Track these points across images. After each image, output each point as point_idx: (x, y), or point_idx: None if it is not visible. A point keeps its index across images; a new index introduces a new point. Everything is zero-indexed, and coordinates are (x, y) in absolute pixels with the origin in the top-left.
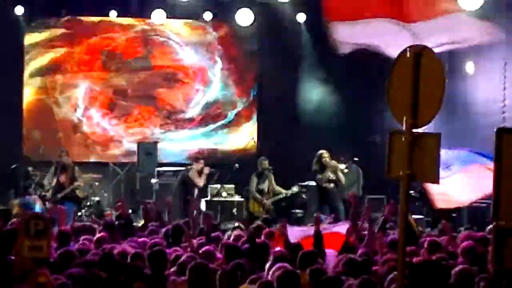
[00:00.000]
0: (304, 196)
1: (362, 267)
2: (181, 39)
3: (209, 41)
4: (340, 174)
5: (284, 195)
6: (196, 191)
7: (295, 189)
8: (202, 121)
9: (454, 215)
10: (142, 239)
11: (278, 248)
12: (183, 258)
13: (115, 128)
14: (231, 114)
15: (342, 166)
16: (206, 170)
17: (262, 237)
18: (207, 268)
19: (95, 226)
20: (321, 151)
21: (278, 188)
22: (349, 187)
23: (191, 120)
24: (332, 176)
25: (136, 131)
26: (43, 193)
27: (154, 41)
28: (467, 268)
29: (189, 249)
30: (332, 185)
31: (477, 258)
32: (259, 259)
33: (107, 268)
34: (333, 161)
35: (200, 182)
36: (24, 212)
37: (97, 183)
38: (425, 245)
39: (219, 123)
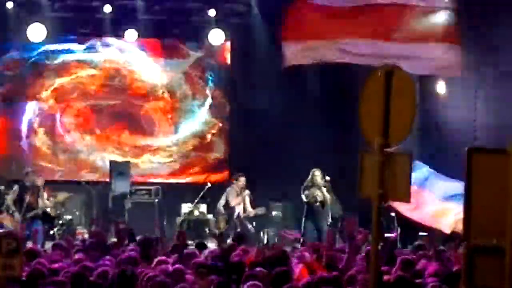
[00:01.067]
0: (276, 214)
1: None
2: (152, 60)
3: (182, 61)
4: (327, 195)
5: (253, 214)
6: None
7: (259, 211)
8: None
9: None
10: (114, 258)
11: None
12: (148, 276)
13: (88, 147)
14: (203, 132)
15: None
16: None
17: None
18: (167, 286)
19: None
20: (314, 169)
21: (249, 209)
22: (332, 207)
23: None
24: (320, 195)
25: (109, 151)
26: (14, 212)
27: (126, 62)
28: (436, 285)
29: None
30: (318, 204)
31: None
32: (234, 276)
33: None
34: (322, 181)
35: (234, 202)
36: None
37: (69, 202)
38: (397, 263)
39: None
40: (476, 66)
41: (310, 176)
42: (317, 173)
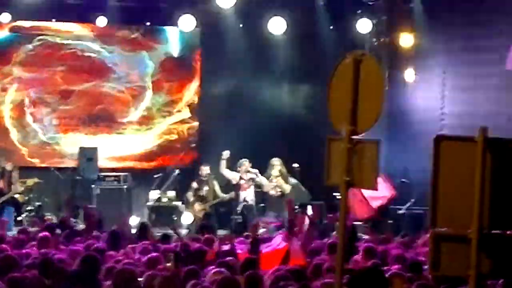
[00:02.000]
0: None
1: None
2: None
3: (147, 46)
4: (285, 184)
5: (221, 199)
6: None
7: (227, 196)
8: (141, 125)
9: (390, 221)
10: (84, 243)
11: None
12: (112, 263)
13: (55, 132)
14: (169, 119)
15: (292, 179)
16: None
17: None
18: (132, 273)
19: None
20: (273, 159)
21: (219, 194)
22: (295, 196)
23: (130, 123)
24: (279, 184)
25: (76, 135)
26: None
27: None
28: (399, 273)
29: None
30: (279, 193)
31: (412, 265)
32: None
33: (47, 273)
34: (283, 170)
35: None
36: None
37: (37, 188)
38: (361, 251)
39: (156, 128)
40: (444, 54)
41: (270, 166)
42: (276, 163)
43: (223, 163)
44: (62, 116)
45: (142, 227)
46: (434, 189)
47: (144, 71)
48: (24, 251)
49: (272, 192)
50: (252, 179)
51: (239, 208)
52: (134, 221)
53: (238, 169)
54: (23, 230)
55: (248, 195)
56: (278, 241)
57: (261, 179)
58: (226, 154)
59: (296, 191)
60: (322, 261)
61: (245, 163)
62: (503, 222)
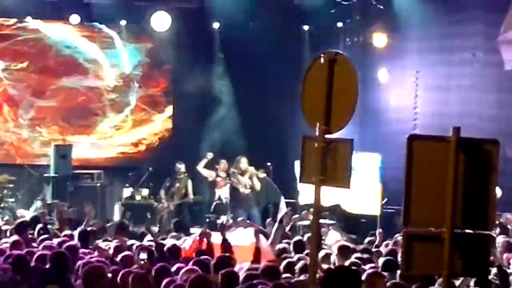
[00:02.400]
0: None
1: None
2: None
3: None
4: (256, 181)
5: (187, 201)
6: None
7: (196, 198)
8: (115, 124)
9: (363, 220)
10: (55, 241)
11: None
12: (84, 261)
13: (29, 130)
14: (145, 114)
15: (261, 174)
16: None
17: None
18: (101, 269)
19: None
20: (239, 157)
21: (189, 194)
22: (266, 194)
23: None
24: (248, 182)
25: (50, 132)
26: None
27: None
28: (376, 272)
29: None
30: (248, 191)
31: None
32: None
33: (20, 271)
34: (251, 167)
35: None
36: None
37: (11, 185)
38: (336, 250)
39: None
40: (417, 54)
41: (235, 164)
42: (243, 161)
43: (203, 162)
44: (37, 113)
45: (120, 225)
46: (407, 188)
47: (119, 69)
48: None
49: (242, 189)
50: (231, 179)
51: (213, 206)
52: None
53: (217, 166)
54: None
55: (223, 193)
56: (244, 235)
57: (240, 179)
58: (210, 155)
59: (267, 188)
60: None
61: (224, 162)
62: (476, 221)
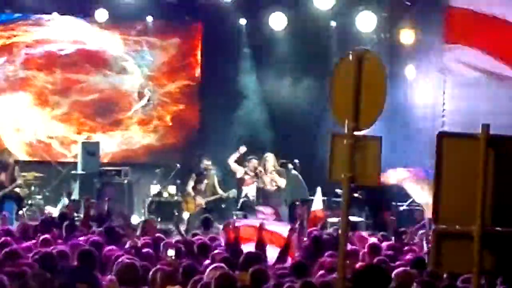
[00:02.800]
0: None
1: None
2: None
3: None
4: (280, 179)
5: (219, 196)
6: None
7: (231, 194)
8: (142, 121)
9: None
10: (82, 238)
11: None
12: (114, 258)
13: (57, 127)
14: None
15: (288, 171)
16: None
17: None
18: (135, 267)
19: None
20: (266, 154)
21: (218, 190)
22: (292, 191)
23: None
24: (275, 179)
25: (78, 130)
26: None
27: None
28: (406, 270)
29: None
30: (274, 188)
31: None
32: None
33: (48, 269)
34: (276, 164)
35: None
36: None
37: (38, 182)
38: (366, 248)
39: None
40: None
41: (262, 161)
42: (269, 158)
43: (235, 156)
44: (65, 110)
45: (145, 223)
46: (436, 186)
47: (146, 64)
48: (24, 245)
49: (268, 187)
50: (258, 178)
51: (240, 203)
52: (135, 218)
53: (246, 164)
54: (24, 224)
55: (250, 191)
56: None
57: (265, 179)
58: (243, 149)
59: (295, 185)
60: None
61: (254, 161)
62: (506, 219)
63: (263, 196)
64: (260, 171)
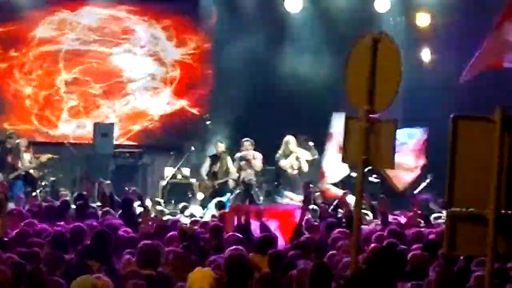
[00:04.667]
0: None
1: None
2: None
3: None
4: (304, 163)
5: (231, 178)
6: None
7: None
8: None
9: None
10: (98, 219)
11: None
12: (132, 239)
13: (72, 107)
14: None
15: (306, 154)
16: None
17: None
18: (157, 248)
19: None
20: (287, 137)
21: (232, 172)
22: (313, 170)
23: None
24: (296, 163)
25: (92, 110)
26: None
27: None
28: (420, 254)
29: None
30: (295, 172)
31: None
32: (214, 242)
33: (60, 248)
34: (299, 147)
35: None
36: None
37: (52, 163)
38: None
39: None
40: (461, 33)
41: (284, 145)
42: (291, 141)
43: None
44: (80, 91)
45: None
46: (451, 168)
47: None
48: (39, 226)
49: (289, 171)
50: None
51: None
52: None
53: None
54: (37, 205)
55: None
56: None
57: (282, 162)
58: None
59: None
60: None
61: (247, 144)
62: None
63: (284, 181)
64: (277, 156)
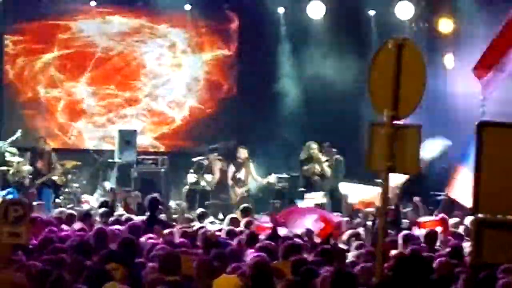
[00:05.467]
0: (282, 186)
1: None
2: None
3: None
4: (326, 168)
5: (259, 184)
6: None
7: (271, 179)
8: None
9: (430, 208)
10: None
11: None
12: (156, 246)
13: (96, 115)
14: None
15: (324, 159)
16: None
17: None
18: (178, 256)
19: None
20: (309, 143)
21: (256, 178)
22: (334, 179)
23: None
24: (318, 168)
25: (115, 118)
26: (21, 179)
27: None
28: (447, 261)
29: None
30: (317, 177)
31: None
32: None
33: (86, 254)
34: (320, 153)
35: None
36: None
37: (75, 170)
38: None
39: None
40: (485, 39)
41: (305, 150)
42: (313, 146)
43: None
44: (103, 99)
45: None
46: (476, 175)
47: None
48: (63, 233)
49: (313, 176)
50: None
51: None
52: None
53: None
54: (61, 212)
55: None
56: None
57: (324, 168)
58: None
59: (339, 171)
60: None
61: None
62: None
63: (307, 185)
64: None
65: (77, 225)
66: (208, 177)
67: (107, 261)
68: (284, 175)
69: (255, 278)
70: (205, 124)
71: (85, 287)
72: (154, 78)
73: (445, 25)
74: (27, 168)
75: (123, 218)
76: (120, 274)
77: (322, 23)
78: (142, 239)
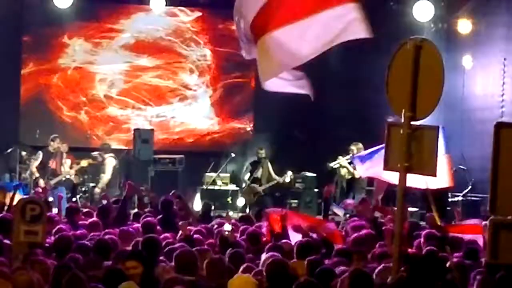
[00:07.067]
0: (298, 186)
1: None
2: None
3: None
4: (350, 168)
5: (276, 182)
6: None
7: (288, 177)
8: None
9: (448, 208)
10: (136, 225)
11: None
12: (172, 245)
13: (112, 115)
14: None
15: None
16: None
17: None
18: (194, 255)
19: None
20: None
21: (274, 176)
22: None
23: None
24: (347, 172)
25: (133, 116)
26: (38, 179)
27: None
28: (462, 261)
29: (182, 237)
30: (348, 177)
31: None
32: (252, 248)
33: (101, 252)
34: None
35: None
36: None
37: (92, 169)
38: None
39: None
40: (504, 40)
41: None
42: (353, 147)
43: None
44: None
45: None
46: (494, 176)
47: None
48: (78, 232)
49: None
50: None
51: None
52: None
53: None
54: (77, 210)
55: None
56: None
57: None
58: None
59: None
60: None
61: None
62: None
63: (348, 186)
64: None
65: (93, 222)
66: (225, 176)
67: (126, 259)
68: (302, 174)
69: (272, 278)
70: (225, 127)
71: (101, 286)
72: (171, 81)
73: (464, 25)
74: (34, 167)
75: (138, 216)
76: (138, 272)
77: None
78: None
